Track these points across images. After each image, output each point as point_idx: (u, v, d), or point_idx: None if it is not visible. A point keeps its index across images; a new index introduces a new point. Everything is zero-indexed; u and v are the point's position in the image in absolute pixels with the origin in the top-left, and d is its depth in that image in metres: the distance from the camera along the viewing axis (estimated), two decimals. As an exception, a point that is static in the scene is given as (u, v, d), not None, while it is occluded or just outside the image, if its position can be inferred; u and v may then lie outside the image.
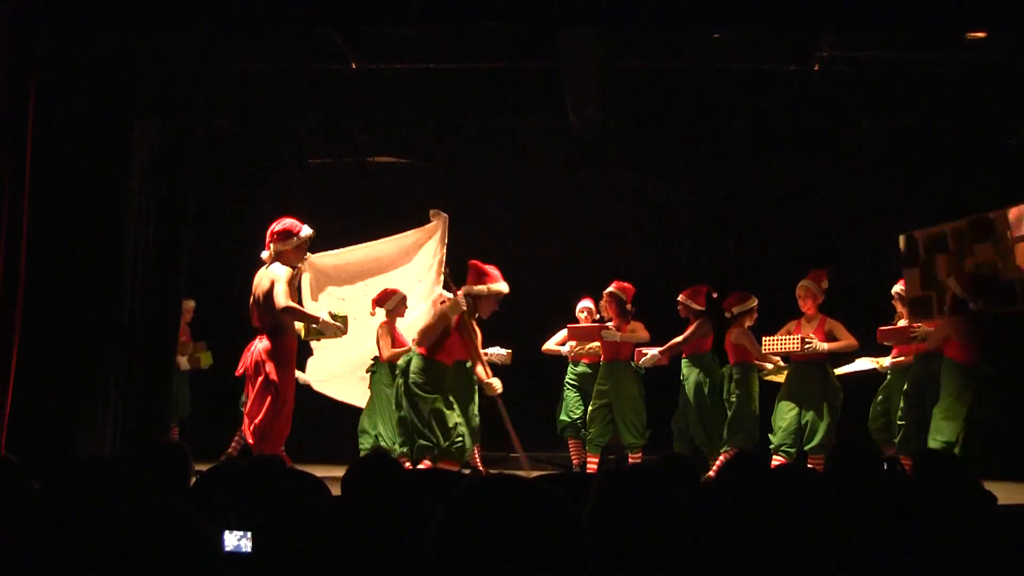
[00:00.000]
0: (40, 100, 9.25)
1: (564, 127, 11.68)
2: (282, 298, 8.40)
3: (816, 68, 10.43)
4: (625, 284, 10.71)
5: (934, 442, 8.93)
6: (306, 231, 8.79)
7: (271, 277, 8.55)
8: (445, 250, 11.05)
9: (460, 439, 9.22)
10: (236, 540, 3.33)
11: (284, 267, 8.58)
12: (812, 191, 12.48)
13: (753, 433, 10.08)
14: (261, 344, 8.65)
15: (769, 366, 10.34)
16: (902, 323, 10.19)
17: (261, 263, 8.76)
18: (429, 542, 2.03)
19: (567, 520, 2.01)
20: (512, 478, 2.10)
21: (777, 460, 9.66)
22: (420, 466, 9.16)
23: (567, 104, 11.07)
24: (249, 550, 3.33)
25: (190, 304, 11.95)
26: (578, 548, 2.01)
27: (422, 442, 9.23)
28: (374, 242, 11.32)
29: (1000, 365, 9.45)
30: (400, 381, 9.59)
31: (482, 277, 9.75)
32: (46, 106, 9.35)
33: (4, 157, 8.98)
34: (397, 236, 11.31)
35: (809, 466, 9.29)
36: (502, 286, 9.71)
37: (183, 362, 11.74)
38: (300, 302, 9.76)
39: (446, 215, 11.13)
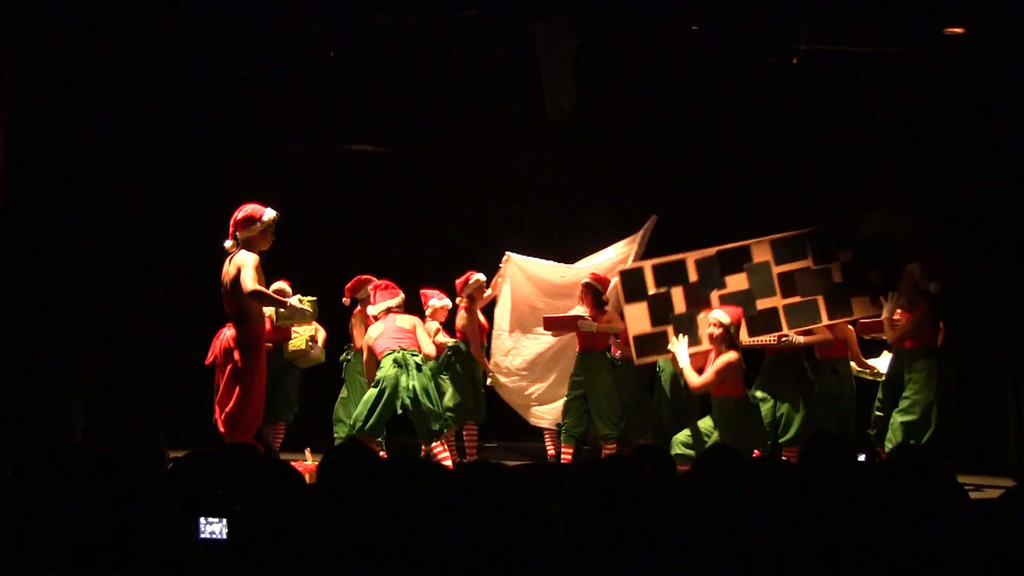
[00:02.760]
0: (15, 87, 9.23)
1: (540, 116, 11.69)
2: (249, 282, 8.33)
3: (794, 61, 10.46)
4: (601, 275, 10.69)
5: (898, 429, 9.03)
6: (269, 214, 8.68)
7: (237, 264, 8.48)
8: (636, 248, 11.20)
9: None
10: (212, 527, 3.31)
11: (250, 253, 8.51)
12: (789, 182, 12.49)
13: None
14: (229, 332, 8.59)
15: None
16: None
17: (226, 253, 8.68)
18: (407, 527, 2.02)
19: (545, 508, 2.01)
20: (492, 465, 2.09)
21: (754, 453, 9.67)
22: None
23: (543, 93, 11.08)
24: (225, 537, 3.31)
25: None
26: (555, 536, 2.01)
27: None
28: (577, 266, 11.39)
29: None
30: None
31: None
32: (21, 92, 9.32)
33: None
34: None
35: (783, 458, 9.27)
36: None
37: (318, 352, 11.10)
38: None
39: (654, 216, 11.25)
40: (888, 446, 9.11)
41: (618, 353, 10.65)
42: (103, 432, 9.70)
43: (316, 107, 12.13)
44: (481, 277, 11.04)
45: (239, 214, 8.64)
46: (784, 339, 9.65)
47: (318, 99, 11.92)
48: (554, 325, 10.85)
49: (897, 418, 9.17)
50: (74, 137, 10.12)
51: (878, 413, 9.80)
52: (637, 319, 9.99)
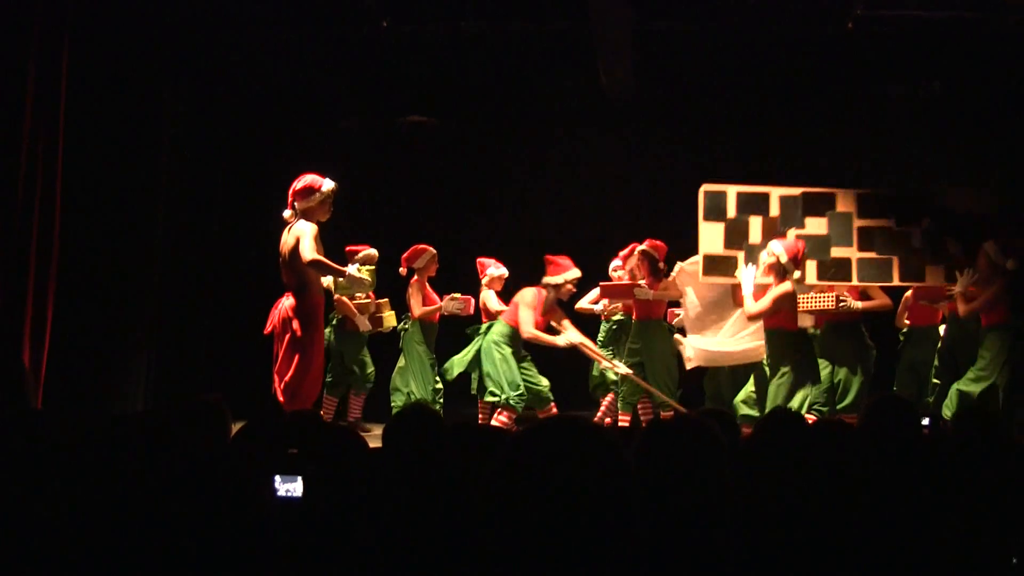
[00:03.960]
0: (72, 65, 9.30)
1: (596, 88, 11.65)
2: (308, 252, 8.33)
3: (849, 27, 10.37)
4: (657, 242, 10.67)
5: (954, 397, 9.02)
6: (328, 185, 8.67)
7: (296, 234, 8.49)
8: None
9: None
10: (287, 486, 3.33)
11: (309, 223, 8.52)
12: (845, 151, 12.41)
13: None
14: (287, 302, 8.60)
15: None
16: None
17: (285, 223, 8.71)
18: (486, 480, 2.04)
19: (623, 461, 2.02)
20: (573, 417, 2.10)
21: (809, 418, 9.62)
22: None
23: (599, 66, 11.04)
24: (300, 495, 3.33)
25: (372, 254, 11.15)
26: (631, 490, 2.02)
27: None
28: None
29: None
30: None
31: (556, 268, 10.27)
32: (78, 71, 9.40)
33: (38, 120, 9.03)
34: None
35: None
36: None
37: (363, 322, 11.13)
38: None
39: None
40: (947, 414, 9.07)
41: (675, 321, 10.64)
42: (170, 401, 9.84)
43: (370, 79, 12.15)
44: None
45: (298, 184, 8.65)
46: (843, 304, 9.58)
47: (372, 71, 11.93)
48: (610, 292, 10.86)
49: (957, 387, 9.14)
50: (132, 112, 10.19)
51: (936, 381, 9.79)
52: (711, 238, 10.03)
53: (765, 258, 9.23)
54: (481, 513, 2.06)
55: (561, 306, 10.40)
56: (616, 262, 11.41)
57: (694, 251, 10.19)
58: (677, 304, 10.62)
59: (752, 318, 9.22)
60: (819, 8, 10.30)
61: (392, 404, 10.66)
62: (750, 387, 9.52)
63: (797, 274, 9.13)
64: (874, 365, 9.93)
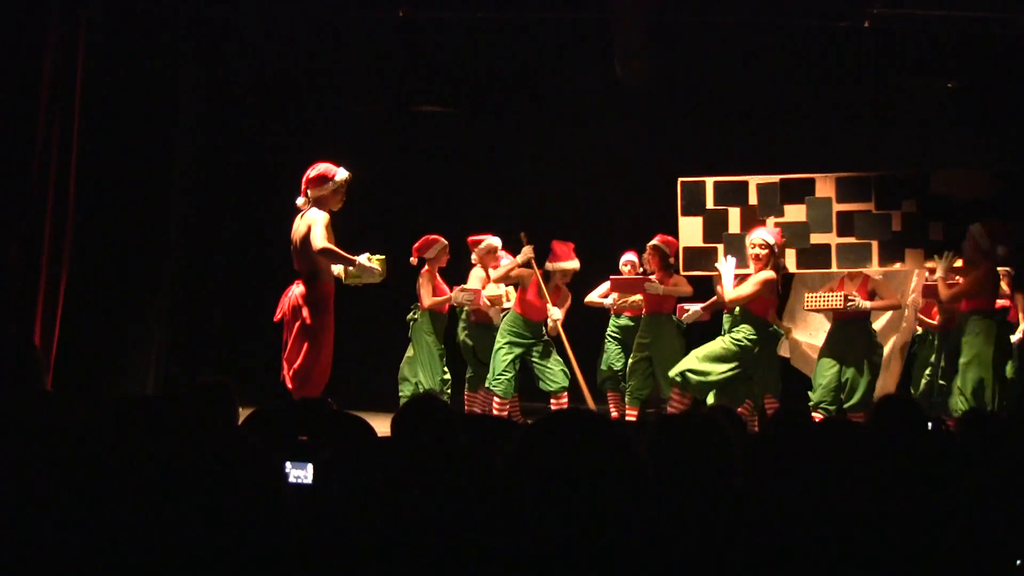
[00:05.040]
0: (88, 50, 9.34)
1: (611, 78, 11.64)
2: (319, 240, 8.35)
3: (866, 24, 10.36)
4: (669, 237, 10.67)
5: (956, 394, 9.01)
6: (342, 174, 8.68)
7: (308, 222, 8.50)
8: None
9: None
10: (298, 472, 3.34)
11: (321, 212, 8.53)
12: (860, 147, 12.40)
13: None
14: (298, 289, 8.62)
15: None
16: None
17: (297, 210, 8.73)
18: (500, 469, 2.05)
19: (636, 455, 2.04)
20: (587, 412, 2.12)
21: (817, 417, 9.63)
22: None
23: (615, 56, 11.04)
24: (311, 482, 3.35)
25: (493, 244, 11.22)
26: (644, 480, 2.04)
27: None
28: None
29: None
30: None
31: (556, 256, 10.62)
32: (94, 56, 9.43)
33: (54, 104, 9.07)
34: None
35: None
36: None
37: (496, 314, 11.05)
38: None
39: None
40: (958, 411, 9.04)
41: (684, 316, 10.66)
42: (179, 384, 9.88)
43: (386, 66, 12.16)
44: (494, 242, 11.24)
45: (312, 172, 8.66)
46: (851, 303, 9.58)
47: (388, 58, 11.94)
48: (621, 287, 10.88)
49: (955, 382, 9.13)
50: (146, 97, 10.22)
51: (942, 383, 9.78)
52: (690, 232, 10.17)
53: (755, 250, 9.33)
54: (491, 503, 2.07)
55: (572, 300, 10.47)
56: (627, 256, 11.41)
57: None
58: (687, 299, 10.62)
59: (732, 303, 9.32)
60: (836, 4, 10.30)
61: (400, 394, 10.66)
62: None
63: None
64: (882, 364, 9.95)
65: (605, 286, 11.23)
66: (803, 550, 2.90)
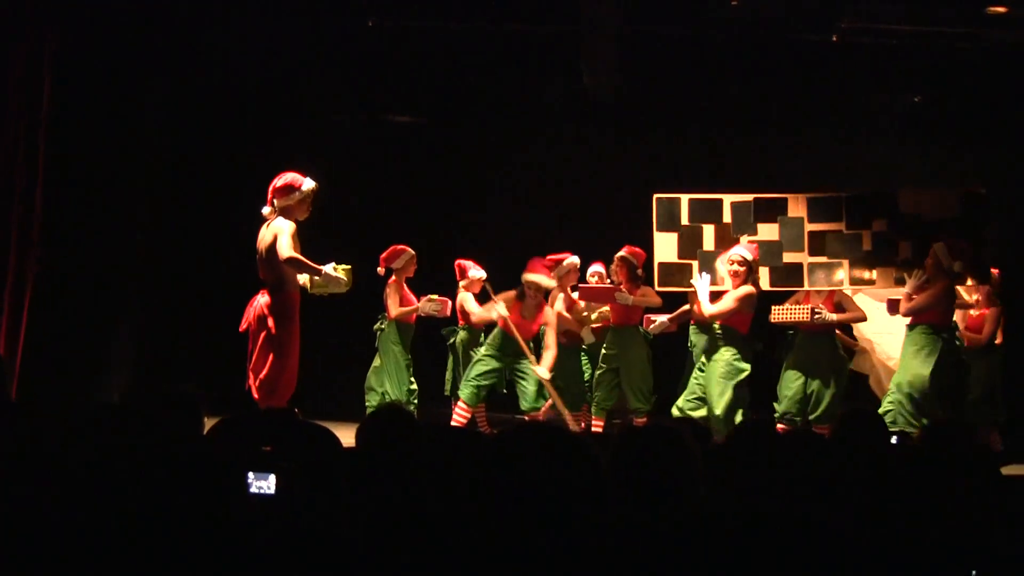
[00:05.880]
0: (57, 55, 9.32)
1: (581, 90, 11.68)
2: (285, 249, 8.36)
3: (835, 39, 10.42)
4: (636, 249, 10.69)
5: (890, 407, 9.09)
6: (308, 184, 8.68)
7: (274, 231, 8.50)
8: None
9: None
10: (260, 483, 3.33)
11: (287, 221, 8.53)
12: (827, 161, 12.47)
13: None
14: (263, 299, 8.61)
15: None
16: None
17: (263, 219, 8.72)
18: (461, 484, 2.06)
19: (598, 467, 2.05)
20: (549, 425, 2.13)
21: (782, 428, 9.68)
22: None
23: (583, 68, 11.07)
24: (273, 492, 3.33)
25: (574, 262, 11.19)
26: (605, 494, 2.05)
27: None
28: None
29: None
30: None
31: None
32: (63, 61, 9.41)
33: (21, 108, 9.03)
34: None
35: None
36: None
37: (587, 334, 11.04)
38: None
39: None
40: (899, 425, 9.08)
41: (651, 328, 10.66)
42: (145, 393, 9.83)
43: (355, 77, 12.16)
44: (575, 260, 11.11)
45: (278, 182, 8.66)
46: (817, 316, 9.63)
47: (357, 68, 11.94)
48: (589, 296, 10.88)
49: (891, 396, 9.19)
50: (115, 104, 10.16)
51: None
52: (665, 247, 10.21)
53: (727, 266, 9.39)
54: (455, 514, 2.08)
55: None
56: (594, 267, 11.42)
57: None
58: (653, 310, 10.65)
59: (712, 318, 9.36)
60: (804, 18, 10.35)
61: (367, 404, 10.65)
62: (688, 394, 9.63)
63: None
64: (848, 377, 10.00)
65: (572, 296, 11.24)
66: (763, 560, 2.91)
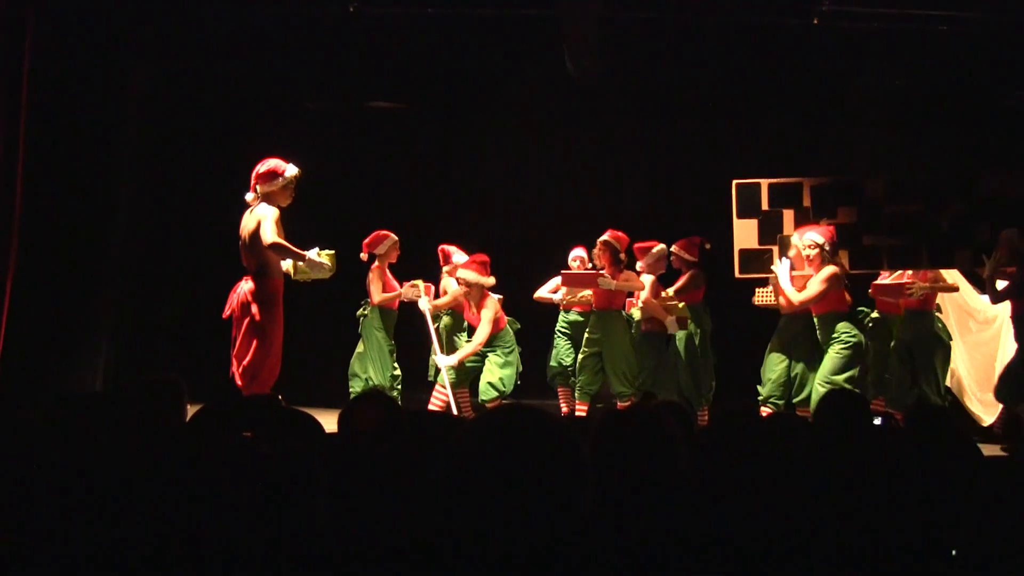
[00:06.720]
0: (35, 43, 9.26)
1: (562, 75, 11.66)
2: (269, 235, 8.33)
3: (815, 22, 10.42)
4: (619, 233, 10.68)
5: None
6: (291, 171, 8.66)
7: (257, 217, 8.48)
8: None
9: None
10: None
11: (271, 207, 8.52)
12: (810, 144, 12.49)
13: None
14: (246, 285, 8.58)
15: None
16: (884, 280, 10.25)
17: (246, 205, 8.70)
18: (445, 463, 2.05)
19: (578, 450, 2.04)
20: (530, 407, 2.12)
21: (766, 411, 9.70)
22: None
23: (565, 53, 11.05)
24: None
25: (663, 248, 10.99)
26: (588, 477, 2.04)
27: None
28: None
29: None
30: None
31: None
32: (42, 49, 9.36)
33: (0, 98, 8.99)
34: None
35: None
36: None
37: (672, 324, 10.68)
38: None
39: None
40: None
41: (633, 311, 10.67)
42: (127, 380, 9.79)
43: (337, 63, 12.12)
44: (663, 248, 10.96)
45: (261, 168, 8.64)
46: (909, 292, 9.77)
47: (339, 55, 11.90)
48: (572, 281, 10.87)
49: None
50: (94, 92, 10.12)
51: (889, 376, 9.95)
52: (745, 234, 10.16)
53: (806, 252, 9.43)
54: (434, 500, 2.07)
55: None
56: (576, 251, 11.42)
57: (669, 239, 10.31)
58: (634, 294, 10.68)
59: (801, 305, 9.37)
60: (786, 1, 10.36)
61: (350, 389, 10.64)
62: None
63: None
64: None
65: (554, 281, 11.24)
66: (746, 542, 2.92)
